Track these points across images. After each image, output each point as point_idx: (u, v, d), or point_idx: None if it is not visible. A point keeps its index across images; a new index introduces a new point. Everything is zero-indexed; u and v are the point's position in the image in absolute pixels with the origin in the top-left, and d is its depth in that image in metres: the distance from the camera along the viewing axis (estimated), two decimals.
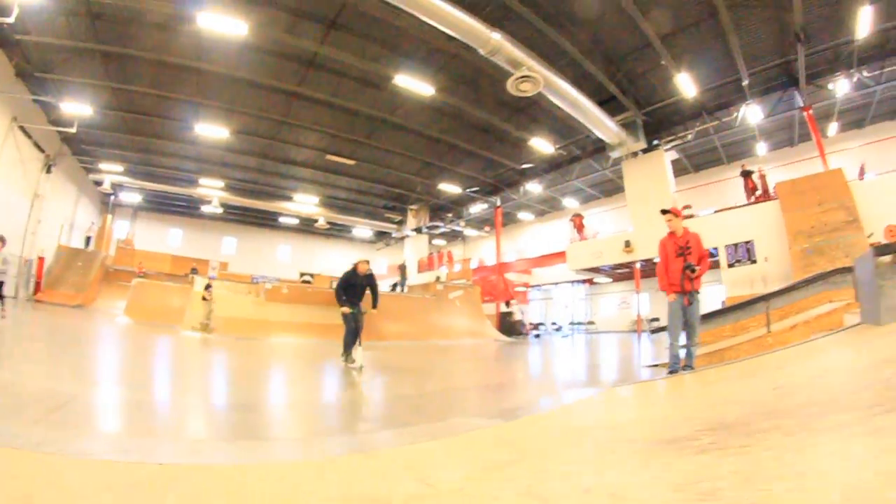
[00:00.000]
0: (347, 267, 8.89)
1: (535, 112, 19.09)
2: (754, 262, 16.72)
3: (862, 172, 18.45)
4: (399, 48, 15.16)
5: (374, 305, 8.67)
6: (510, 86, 13.44)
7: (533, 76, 13.12)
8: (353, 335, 8.30)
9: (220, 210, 29.43)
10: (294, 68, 16.30)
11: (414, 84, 15.74)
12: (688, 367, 6.49)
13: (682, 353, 6.61)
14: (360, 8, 13.32)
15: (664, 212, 6.84)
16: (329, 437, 3.85)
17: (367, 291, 8.76)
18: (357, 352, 8.13)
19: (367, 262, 8.74)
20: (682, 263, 6.50)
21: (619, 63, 16.79)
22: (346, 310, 8.27)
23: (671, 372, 6.49)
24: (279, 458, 2.99)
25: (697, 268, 6.44)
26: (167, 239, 33.08)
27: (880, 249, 5.24)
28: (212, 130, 19.44)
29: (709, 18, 14.67)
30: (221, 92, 17.37)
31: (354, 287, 8.56)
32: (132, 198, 29.35)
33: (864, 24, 14.98)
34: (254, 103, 18.24)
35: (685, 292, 6.50)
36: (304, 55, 15.60)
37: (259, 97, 17.85)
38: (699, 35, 15.46)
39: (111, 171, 24.74)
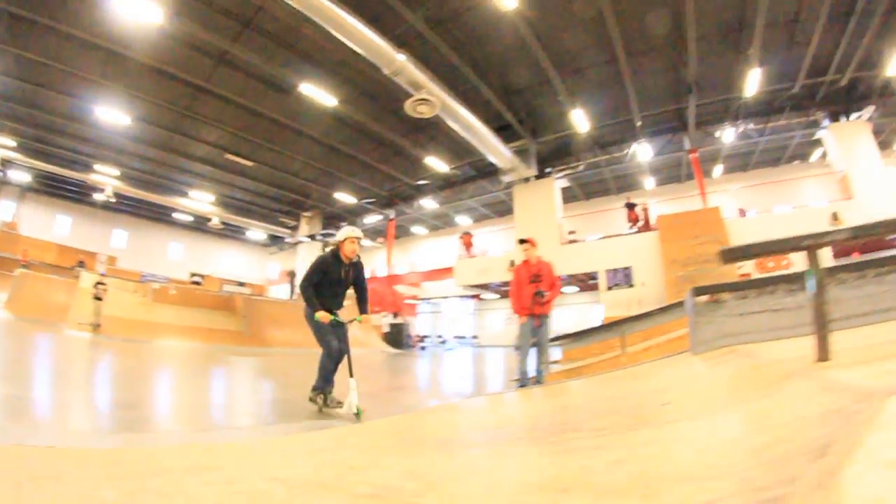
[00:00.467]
0: (327, 249, 6.05)
1: (434, 131, 19.83)
2: (632, 286, 18.33)
3: (743, 212, 20.75)
4: (308, 57, 15.58)
5: (364, 309, 5.92)
6: (408, 107, 14.09)
7: (431, 100, 13.84)
8: (335, 360, 5.60)
9: (113, 200, 27.98)
10: (204, 62, 16.25)
11: (318, 94, 16.24)
12: (538, 382, 7.15)
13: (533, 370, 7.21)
14: (275, 13, 13.59)
15: (521, 241, 7.50)
16: (199, 431, 4.49)
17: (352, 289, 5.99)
18: (348, 390, 5.23)
19: (358, 239, 5.77)
20: (533, 289, 7.14)
21: (518, 94, 17.94)
22: (324, 316, 5.36)
23: (521, 386, 7.07)
24: (150, 444, 3.73)
25: (547, 293, 7.13)
26: (54, 226, 31.00)
27: (697, 290, 5.88)
28: (113, 115, 18.78)
29: (608, 63, 16.06)
30: (127, 76, 16.92)
31: (333, 281, 5.66)
32: (21, 177, 27.33)
33: (752, 83, 16.95)
34: (159, 92, 17.87)
35: (535, 315, 7.15)
36: (216, 51, 15.62)
37: (165, 87, 17.53)
38: (597, 76, 16.87)
39: (3, 146, 23.02)
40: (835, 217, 17.85)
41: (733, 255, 4.82)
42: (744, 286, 5.42)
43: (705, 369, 4.72)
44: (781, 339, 4.84)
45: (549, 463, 2.33)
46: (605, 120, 19.49)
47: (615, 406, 4.21)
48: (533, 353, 7.27)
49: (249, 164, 23.14)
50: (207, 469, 2.52)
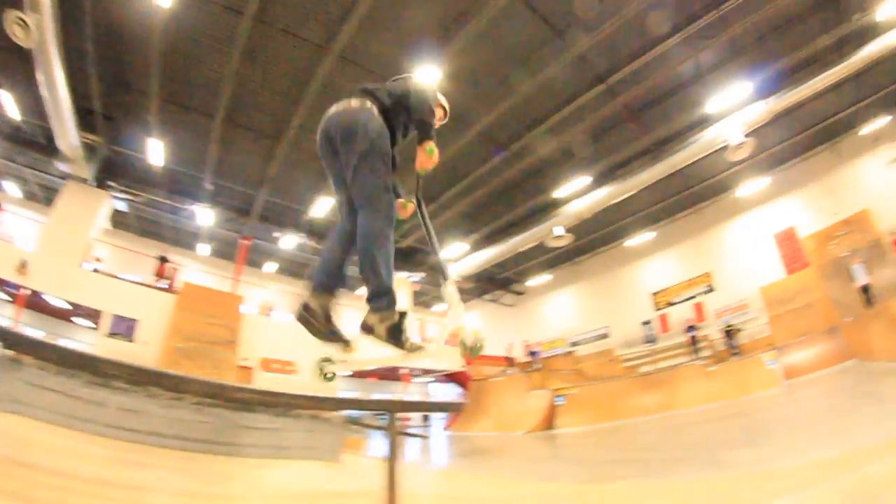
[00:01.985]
0: None
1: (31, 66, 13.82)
2: (132, 341, 17.03)
3: (268, 310, 22.53)
4: None
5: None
6: (7, 18, 10.76)
7: (31, 30, 11.03)
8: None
9: None
10: None
11: None
12: None
13: None
14: None
15: None
16: None
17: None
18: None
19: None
20: None
21: (126, 90, 15.61)
22: (434, 155, 3.11)
23: None
24: None
25: None
26: None
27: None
28: None
29: (209, 116, 16.38)
30: None
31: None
32: None
33: (321, 208, 19.80)
34: None
35: None
36: None
37: None
38: (194, 122, 16.78)
39: None
40: None
41: None
42: (53, 359, 4.51)
43: None
44: (67, 428, 4.55)
45: None
46: (182, 166, 19.07)
47: None
48: None
49: None
50: None
